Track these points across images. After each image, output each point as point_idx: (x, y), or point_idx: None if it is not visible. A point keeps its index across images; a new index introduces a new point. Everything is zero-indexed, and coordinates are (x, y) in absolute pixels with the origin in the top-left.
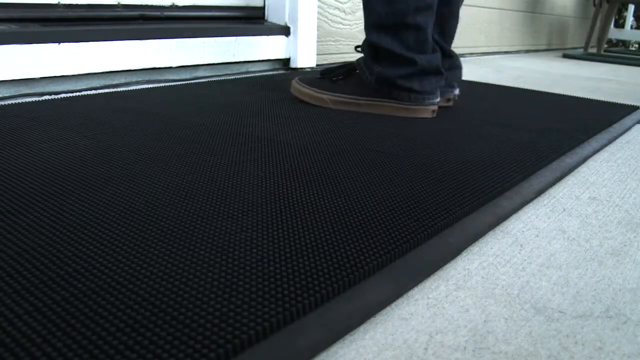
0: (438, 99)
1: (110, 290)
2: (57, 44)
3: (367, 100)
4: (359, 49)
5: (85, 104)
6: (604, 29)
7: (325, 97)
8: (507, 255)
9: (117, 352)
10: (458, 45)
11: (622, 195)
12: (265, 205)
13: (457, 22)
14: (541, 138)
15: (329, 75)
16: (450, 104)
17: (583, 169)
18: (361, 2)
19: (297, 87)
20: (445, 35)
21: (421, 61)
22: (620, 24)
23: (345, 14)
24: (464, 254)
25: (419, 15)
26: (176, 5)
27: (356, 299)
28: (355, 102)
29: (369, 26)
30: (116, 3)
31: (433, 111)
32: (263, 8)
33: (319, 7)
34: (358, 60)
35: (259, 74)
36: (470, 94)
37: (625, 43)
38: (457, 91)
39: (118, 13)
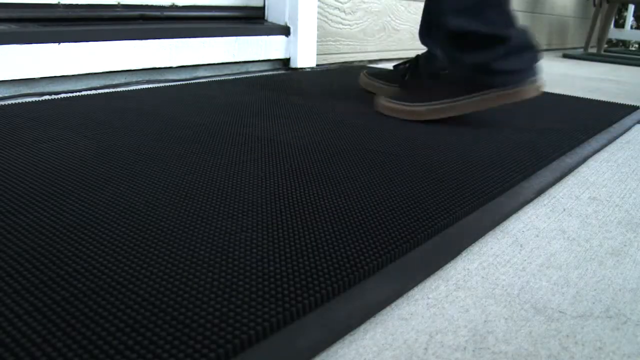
0: (538, 74)
1: (110, 290)
2: (57, 44)
3: (465, 99)
4: (404, 65)
5: (85, 104)
6: (604, 29)
7: (420, 109)
8: (507, 255)
9: (117, 352)
10: None
11: (622, 195)
12: (265, 205)
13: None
14: (541, 138)
15: (405, 81)
16: (542, 90)
17: (583, 169)
18: (361, 2)
19: (385, 104)
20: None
21: (513, 36)
22: (620, 24)
23: (345, 14)
24: (464, 254)
25: None
26: (176, 5)
27: (356, 299)
28: (451, 106)
29: (445, 12)
30: (116, 3)
31: (539, 88)
32: (263, 8)
33: (319, 7)
34: (430, 56)
35: (259, 74)
36: None
37: (625, 43)
38: (539, 75)
39: (118, 13)
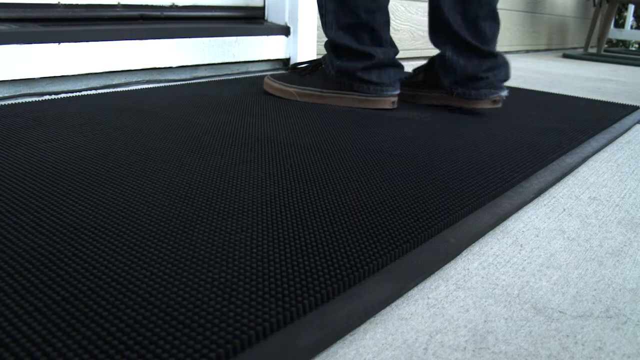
0: (398, 91)
1: (110, 290)
2: (57, 44)
3: (330, 92)
4: (299, 66)
5: (85, 104)
6: (604, 29)
7: (292, 90)
8: (507, 255)
9: (117, 352)
10: None
11: (622, 195)
12: (265, 205)
13: (494, 22)
14: (541, 138)
15: (297, 70)
16: (498, 105)
17: (583, 169)
18: None
19: (269, 82)
20: (479, 37)
21: (378, 54)
22: (620, 24)
23: None
24: (464, 254)
25: (370, 15)
26: (176, 5)
27: (356, 299)
28: (319, 95)
29: (330, 26)
30: (116, 3)
31: (393, 102)
32: (263, 8)
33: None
34: (324, 56)
35: (259, 74)
36: None
37: (625, 43)
38: (504, 92)
39: (118, 13)
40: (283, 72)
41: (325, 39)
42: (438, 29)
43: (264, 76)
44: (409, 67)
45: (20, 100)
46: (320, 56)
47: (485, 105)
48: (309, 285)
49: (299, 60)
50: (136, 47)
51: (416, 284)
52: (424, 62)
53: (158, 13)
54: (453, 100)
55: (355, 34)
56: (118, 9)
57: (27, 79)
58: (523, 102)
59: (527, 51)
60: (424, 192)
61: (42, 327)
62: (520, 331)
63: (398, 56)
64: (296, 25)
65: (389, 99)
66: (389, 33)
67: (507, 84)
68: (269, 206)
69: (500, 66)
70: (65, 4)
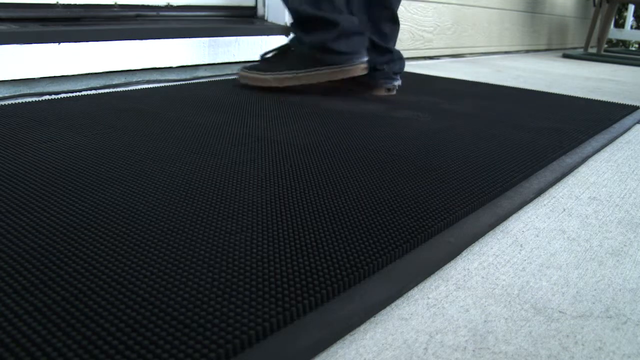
0: (366, 57)
1: (110, 290)
2: (57, 44)
3: (304, 72)
4: (267, 55)
5: (85, 104)
6: (604, 29)
7: (267, 77)
8: (507, 255)
9: (117, 352)
10: (458, 45)
11: (622, 195)
12: (265, 205)
13: (394, 25)
14: (541, 138)
15: (268, 58)
16: (392, 93)
17: (583, 169)
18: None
19: (244, 74)
20: (381, 36)
21: (342, 22)
22: (620, 24)
23: None
24: (464, 254)
25: None
26: (171, 5)
27: (356, 299)
28: (294, 76)
29: (294, 1)
30: (113, 3)
31: (363, 68)
32: (255, 8)
33: None
34: (291, 39)
35: None
36: (470, 94)
37: (625, 43)
38: (397, 82)
39: (115, 13)
40: (255, 63)
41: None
42: None
43: None
44: (410, 67)
45: (20, 100)
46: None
47: (381, 92)
48: (309, 285)
49: None
50: (136, 47)
51: (416, 284)
52: (424, 62)
53: (154, 13)
54: (353, 86)
55: (317, 3)
56: (115, 9)
57: (27, 79)
58: (523, 102)
59: (527, 51)
60: (424, 192)
61: (42, 327)
62: (520, 331)
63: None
64: None
65: (360, 66)
66: (346, 6)
67: (507, 83)
68: (269, 206)
69: (395, 60)
70: (63, 4)
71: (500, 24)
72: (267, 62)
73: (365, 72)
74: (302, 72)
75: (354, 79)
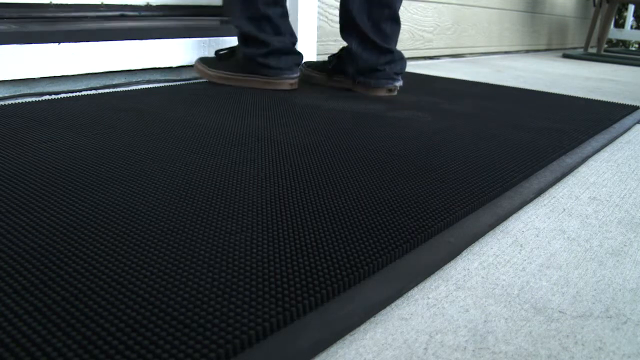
0: (296, 74)
1: (110, 290)
2: (57, 44)
3: (240, 75)
4: (220, 52)
5: (85, 104)
6: (604, 29)
7: (211, 73)
8: (507, 255)
9: (117, 352)
10: (458, 45)
11: (622, 195)
12: (265, 205)
13: (395, 24)
14: (541, 138)
15: (219, 55)
16: (394, 93)
17: (583, 169)
18: None
19: (196, 64)
20: (382, 36)
21: (274, 43)
22: (620, 24)
23: None
24: (464, 254)
25: (268, 8)
26: (150, 5)
27: (356, 299)
28: (231, 77)
29: (233, 14)
30: (100, 3)
31: (291, 84)
32: (221, 7)
33: (319, 7)
34: (238, 44)
35: None
36: (470, 94)
37: (625, 43)
38: (399, 82)
39: (102, 12)
40: (209, 57)
41: (333, 40)
42: (347, 27)
43: None
44: (410, 67)
45: (20, 100)
46: (320, 55)
47: (382, 93)
48: (309, 285)
49: None
50: (136, 47)
51: (416, 284)
52: (424, 62)
53: (136, 13)
54: (355, 86)
55: (257, 24)
56: (102, 9)
57: (27, 79)
58: (523, 102)
59: (527, 51)
60: (424, 192)
61: (42, 327)
62: (520, 331)
63: None
64: (296, 25)
65: (287, 81)
66: (288, 24)
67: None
68: (269, 206)
69: (396, 60)
70: (56, 4)
71: (500, 24)
72: (218, 59)
73: (293, 87)
74: (238, 75)
75: (355, 80)
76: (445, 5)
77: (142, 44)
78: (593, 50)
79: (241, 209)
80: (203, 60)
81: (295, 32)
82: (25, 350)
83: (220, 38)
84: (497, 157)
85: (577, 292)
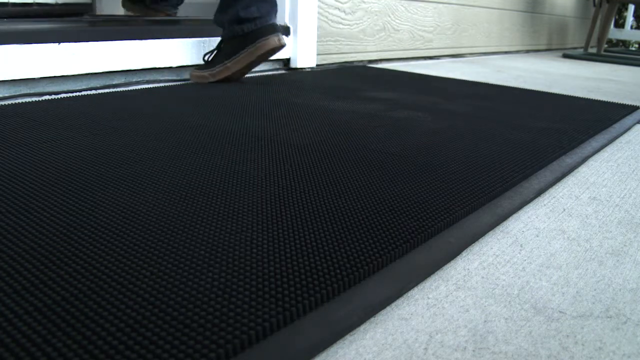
0: (279, 31)
1: (110, 290)
2: (57, 44)
3: (231, 60)
4: (206, 56)
5: (85, 104)
6: (604, 29)
7: (205, 74)
8: (507, 255)
9: (117, 352)
10: (458, 45)
11: (622, 195)
12: (265, 205)
13: (266, 3)
14: (541, 138)
15: (206, 58)
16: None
17: (583, 169)
18: (361, 2)
19: (192, 74)
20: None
21: None
22: (620, 24)
23: (345, 14)
24: (464, 254)
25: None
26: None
27: (356, 299)
28: (225, 67)
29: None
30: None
31: (278, 39)
32: None
33: (319, 7)
34: (219, 41)
35: (259, 74)
36: (470, 94)
37: (625, 43)
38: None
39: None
40: (201, 64)
41: (327, 37)
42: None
43: (266, 76)
44: (410, 67)
45: (20, 100)
46: (320, 55)
47: (161, 15)
48: (309, 285)
49: (298, 61)
50: (136, 47)
51: (416, 284)
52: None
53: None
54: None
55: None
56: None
57: (27, 79)
58: (523, 102)
59: (527, 51)
60: (423, 192)
61: (42, 327)
62: (520, 331)
63: (399, 56)
64: (296, 25)
65: (274, 37)
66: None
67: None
68: (269, 206)
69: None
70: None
71: (500, 24)
72: (208, 62)
73: (280, 43)
74: (229, 62)
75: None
76: (445, 5)
77: (142, 44)
78: (593, 50)
79: (241, 209)
80: (196, 68)
81: (295, 32)
82: (25, 350)
83: (220, 38)
84: (497, 157)
85: (577, 292)
